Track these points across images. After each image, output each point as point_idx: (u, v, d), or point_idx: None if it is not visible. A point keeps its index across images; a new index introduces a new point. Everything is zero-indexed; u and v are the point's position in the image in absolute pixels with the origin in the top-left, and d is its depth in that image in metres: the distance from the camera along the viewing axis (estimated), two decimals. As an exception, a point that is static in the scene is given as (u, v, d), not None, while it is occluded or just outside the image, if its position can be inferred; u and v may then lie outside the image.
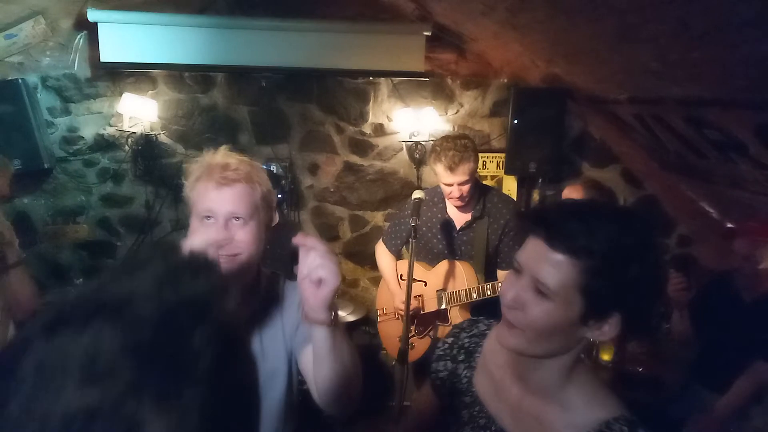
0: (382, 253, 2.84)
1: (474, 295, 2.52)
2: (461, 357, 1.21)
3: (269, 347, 1.37)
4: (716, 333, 2.45)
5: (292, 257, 3.64)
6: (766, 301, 2.35)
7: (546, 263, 0.90)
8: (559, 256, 0.89)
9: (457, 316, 2.60)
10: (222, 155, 1.33)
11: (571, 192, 3.05)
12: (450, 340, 1.27)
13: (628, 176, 3.87)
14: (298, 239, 1.11)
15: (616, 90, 2.79)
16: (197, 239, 1.28)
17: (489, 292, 2.48)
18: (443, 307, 2.62)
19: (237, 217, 1.28)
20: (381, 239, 2.89)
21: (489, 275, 2.67)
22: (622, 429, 0.90)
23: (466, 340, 1.23)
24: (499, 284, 2.47)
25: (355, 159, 3.99)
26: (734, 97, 1.99)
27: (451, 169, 2.44)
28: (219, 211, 1.27)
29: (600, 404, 0.96)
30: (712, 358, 2.45)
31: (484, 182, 3.93)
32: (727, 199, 2.81)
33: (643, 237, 0.90)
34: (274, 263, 3.51)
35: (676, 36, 1.78)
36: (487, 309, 2.50)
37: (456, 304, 2.58)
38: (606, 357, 2.50)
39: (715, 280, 2.61)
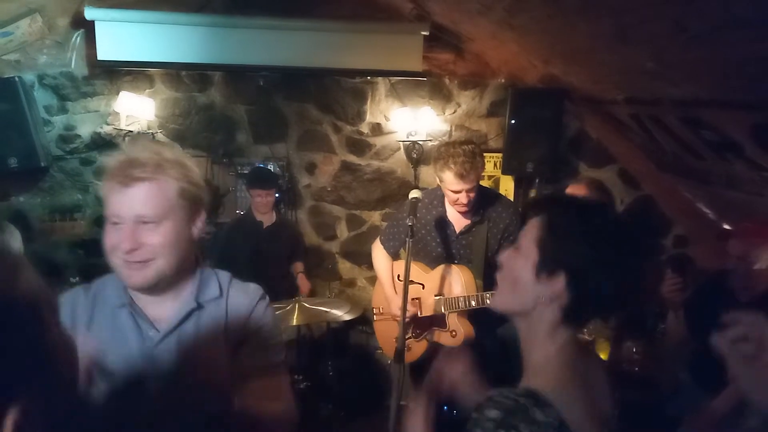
0: (379, 254, 2.82)
1: (473, 303, 2.50)
2: None
3: (206, 359, 1.23)
4: (711, 333, 2.45)
5: (290, 257, 3.65)
6: (761, 301, 2.36)
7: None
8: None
9: (455, 321, 2.59)
10: (133, 150, 1.18)
11: (574, 191, 3.04)
12: None
13: (625, 177, 3.88)
14: None
15: (613, 90, 2.80)
16: (106, 246, 1.17)
17: (488, 301, 2.46)
18: (441, 312, 2.61)
19: (145, 221, 1.14)
20: (378, 239, 2.86)
21: (488, 280, 2.65)
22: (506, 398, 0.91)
23: None
24: None
25: (352, 158, 3.99)
26: (730, 97, 2.00)
27: (462, 177, 2.38)
28: (124, 215, 1.14)
29: (534, 373, 1.02)
30: (707, 358, 2.45)
31: (482, 183, 3.94)
32: (724, 199, 2.82)
33: (592, 215, 1.06)
34: (273, 262, 3.52)
35: (673, 37, 1.78)
36: (485, 317, 2.50)
37: (454, 310, 2.57)
38: (602, 357, 2.50)
39: (710, 281, 2.61)
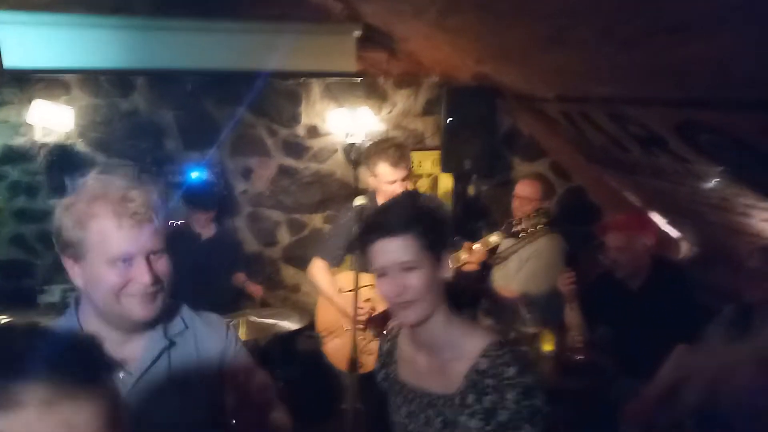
0: (319, 269, 2.78)
1: None
2: (387, 359, 1.46)
3: (182, 397, 1.22)
4: (612, 322, 2.61)
5: (231, 268, 3.50)
6: (649, 286, 2.53)
7: (399, 250, 1.21)
8: (402, 238, 1.21)
9: None
10: (116, 183, 1.15)
11: (524, 186, 3.15)
12: (379, 351, 1.53)
13: (556, 169, 4.03)
14: None
15: (544, 89, 2.88)
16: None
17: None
18: None
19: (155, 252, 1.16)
20: (316, 256, 2.83)
21: None
22: (497, 353, 1.21)
23: (386, 345, 1.48)
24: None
25: (289, 162, 3.91)
26: (655, 95, 2.10)
27: (396, 165, 2.49)
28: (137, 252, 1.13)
29: (475, 335, 1.27)
30: (622, 348, 2.59)
31: (420, 181, 3.99)
32: (649, 189, 2.98)
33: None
34: (214, 275, 3.37)
35: (602, 40, 1.85)
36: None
37: None
38: (548, 348, 2.59)
39: (602, 273, 2.75)
